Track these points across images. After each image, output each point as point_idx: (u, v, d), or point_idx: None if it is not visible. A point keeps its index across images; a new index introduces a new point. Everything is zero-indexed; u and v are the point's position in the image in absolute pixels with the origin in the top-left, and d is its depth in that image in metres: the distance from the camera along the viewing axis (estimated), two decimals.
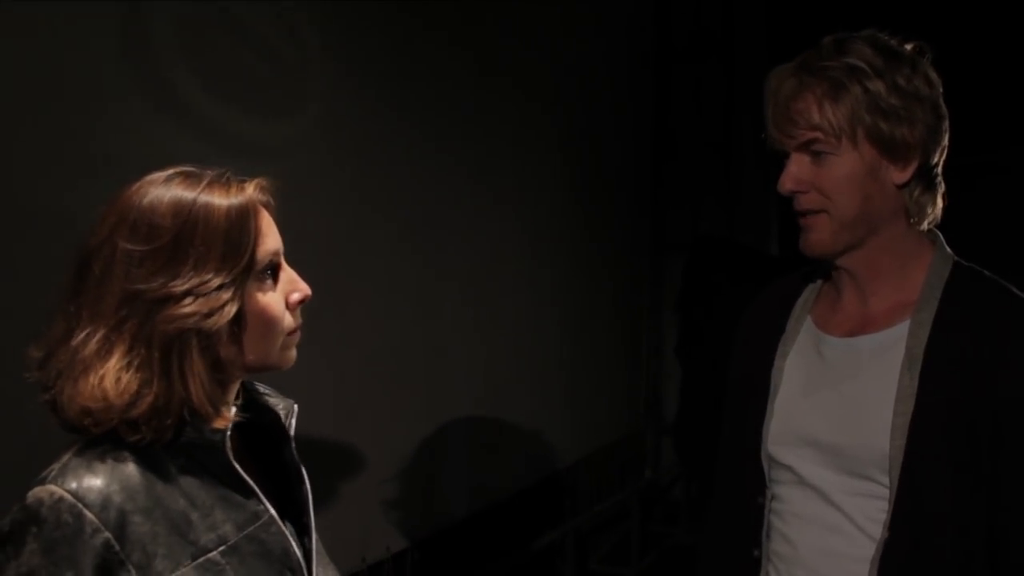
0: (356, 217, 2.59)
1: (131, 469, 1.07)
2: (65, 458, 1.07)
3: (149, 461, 1.08)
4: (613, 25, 3.94)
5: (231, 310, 1.09)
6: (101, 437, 1.07)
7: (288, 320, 1.17)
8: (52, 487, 1.03)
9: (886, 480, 1.37)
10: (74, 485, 1.03)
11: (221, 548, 1.10)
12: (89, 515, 1.02)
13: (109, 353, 1.06)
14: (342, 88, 2.52)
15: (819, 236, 1.43)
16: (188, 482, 1.10)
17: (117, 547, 1.03)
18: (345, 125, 2.54)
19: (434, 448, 2.92)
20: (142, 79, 1.99)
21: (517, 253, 3.35)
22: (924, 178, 1.42)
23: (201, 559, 1.08)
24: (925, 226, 1.45)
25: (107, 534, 1.03)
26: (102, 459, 1.06)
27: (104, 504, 1.03)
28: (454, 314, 3.01)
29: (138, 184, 1.12)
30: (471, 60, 3.03)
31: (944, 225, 1.49)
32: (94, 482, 1.04)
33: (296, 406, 1.28)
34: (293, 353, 1.20)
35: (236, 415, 1.16)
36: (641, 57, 4.17)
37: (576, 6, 3.62)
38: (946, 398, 1.34)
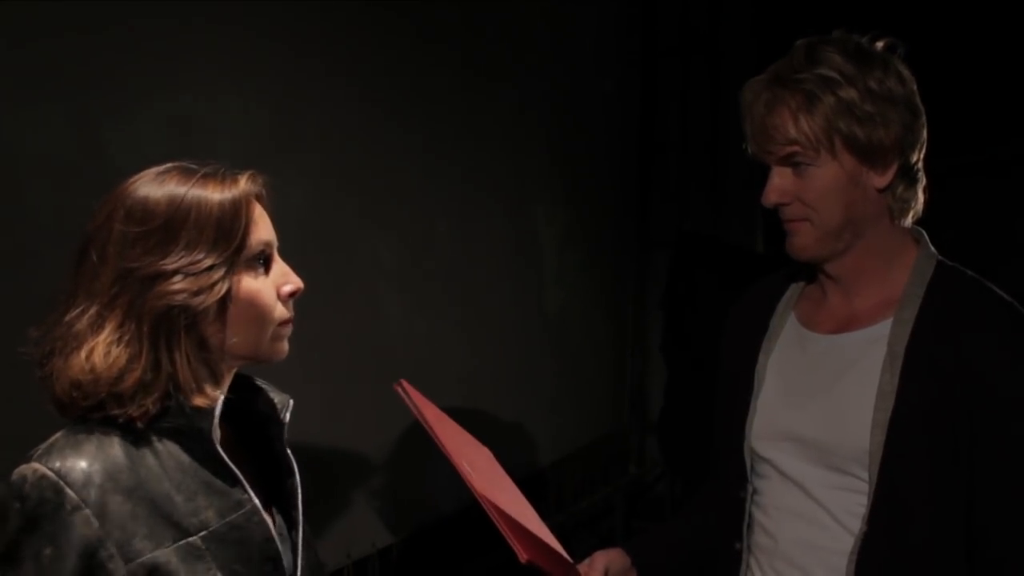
0: (342, 214, 2.59)
1: (116, 450, 1.10)
2: (53, 437, 1.10)
3: (136, 444, 1.11)
4: (600, 22, 3.93)
5: (220, 290, 1.12)
6: (91, 418, 1.10)
7: (279, 310, 1.19)
8: (36, 465, 1.07)
9: (865, 475, 1.39)
10: (58, 464, 1.07)
11: (202, 533, 1.12)
12: (70, 493, 1.05)
13: (101, 328, 1.10)
14: (330, 85, 2.52)
15: (804, 241, 1.44)
16: (173, 466, 1.13)
17: (96, 524, 1.06)
18: (332, 121, 2.53)
19: (420, 444, 2.91)
20: (122, 74, 1.98)
21: (503, 250, 3.35)
22: (906, 176, 1.43)
23: (182, 542, 1.10)
24: (909, 221, 1.46)
25: (87, 511, 1.05)
26: (88, 439, 1.09)
27: (85, 483, 1.06)
28: (440, 312, 3.01)
29: (136, 177, 1.16)
30: (458, 57, 3.02)
31: (928, 225, 1.50)
32: (78, 462, 1.07)
33: (291, 401, 1.30)
34: (285, 345, 1.22)
35: (224, 397, 1.17)
36: (628, 54, 4.17)
37: (563, 3, 3.62)
38: (926, 395, 1.36)
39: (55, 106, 1.84)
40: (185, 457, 1.14)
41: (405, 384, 1.47)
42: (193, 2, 2.10)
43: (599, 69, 3.94)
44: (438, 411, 1.52)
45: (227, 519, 1.14)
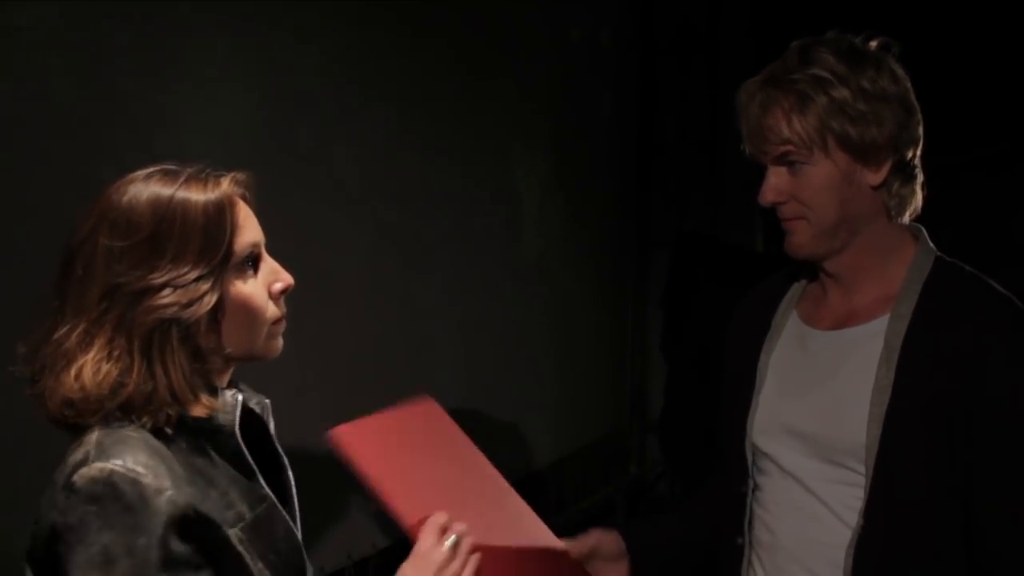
0: (338, 212, 2.59)
1: (157, 445, 1.09)
2: (91, 442, 1.08)
3: (166, 443, 1.10)
4: (598, 22, 3.94)
5: (210, 301, 1.11)
6: (114, 423, 1.09)
7: (271, 310, 1.19)
8: (99, 464, 1.04)
9: (862, 469, 1.39)
10: (119, 461, 1.04)
11: (240, 525, 1.13)
12: (146, 480, 1.04)
13: (89, 345, 1.09)
14: (324, 82, 2.52)
15: (801, 239, 1.46)
16: (203, 463, 1.13)
17: (183, 497, 1.06)
18: (327, 118, 2.54)
19: None
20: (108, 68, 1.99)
21: (502, 249, 3.35)
22: (901, 173, 1.44)
23: (229, 530, 1.11)
24: (906, 218, 1.48)
25: (170, 492, 1.05)
26: (129, 437, 1.08)
27: (155, 472, 1.05)
28: (438, 311, 3.01)
29: (119, 183, 1.14)
30: (454, 55, 3.03)
31: (927, 222, 1.51)
32: (137, 454, 1.06)
33: (268, 401, 1.31)
34: (279, 342, 1.22)
35: (237, 401, 1.17)
36: (626, 54, 4.17)
37: (562, 4, 3.62)
38: (922, 389, 1.36)
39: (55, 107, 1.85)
40: (211, 454, 1.14)
41: (340, 430, 1.34)
42: None
43: (598, 70, 3.94)
44: (385, 446, 1.44)
45: (255, 512, 1.16)
